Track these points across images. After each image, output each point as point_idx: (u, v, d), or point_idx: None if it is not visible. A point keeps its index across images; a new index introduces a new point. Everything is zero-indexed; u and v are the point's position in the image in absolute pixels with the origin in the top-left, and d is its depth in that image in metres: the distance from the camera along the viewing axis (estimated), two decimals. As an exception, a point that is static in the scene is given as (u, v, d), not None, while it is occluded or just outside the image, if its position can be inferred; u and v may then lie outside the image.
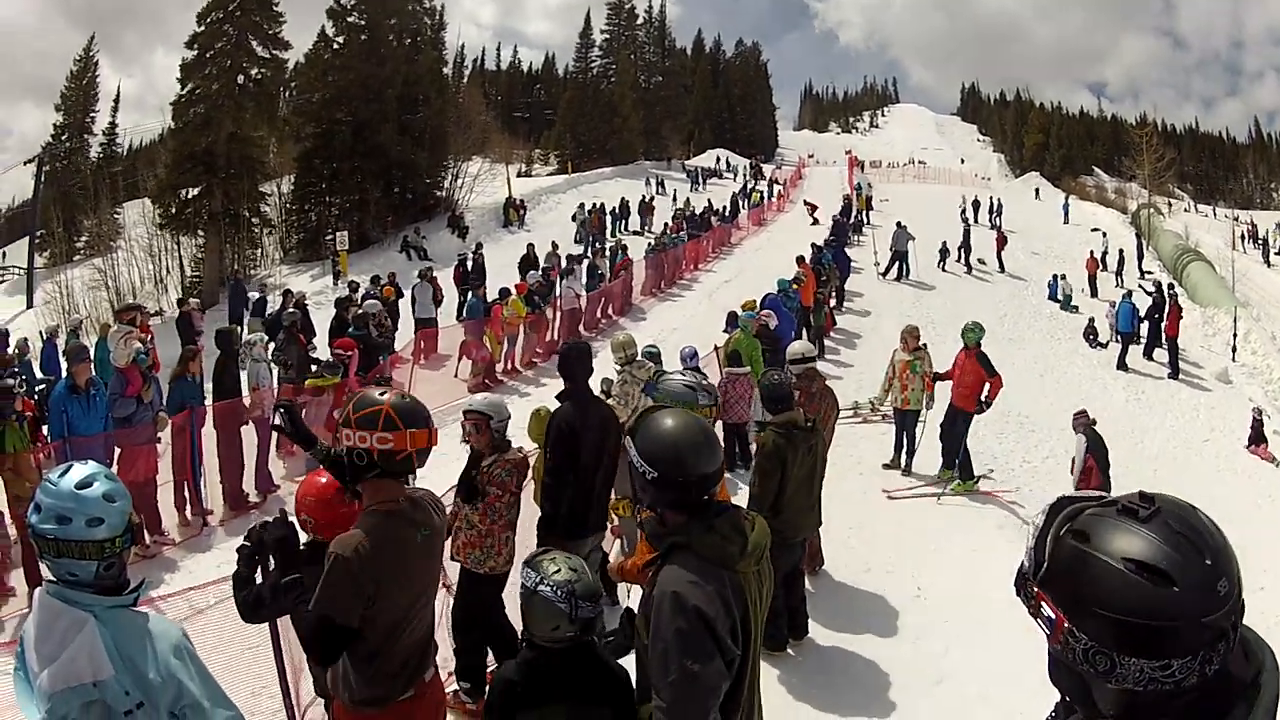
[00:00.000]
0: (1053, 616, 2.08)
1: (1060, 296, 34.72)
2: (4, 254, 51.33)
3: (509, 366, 22.20)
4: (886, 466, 15.24)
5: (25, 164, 48.97)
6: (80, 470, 3.60)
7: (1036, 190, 65.30)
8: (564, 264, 28.95)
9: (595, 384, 8.86)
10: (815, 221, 42.49)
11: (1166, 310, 28.46)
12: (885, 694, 8.26)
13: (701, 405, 6.63)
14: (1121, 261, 41.76)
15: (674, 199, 53.58)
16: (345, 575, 3.94)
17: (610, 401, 10.35)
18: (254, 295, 31.84)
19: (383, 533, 4.09)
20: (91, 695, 3.31)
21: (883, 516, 12.95)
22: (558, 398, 7.96)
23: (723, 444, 6.30)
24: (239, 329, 20.44)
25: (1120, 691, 2.04)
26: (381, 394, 4.23)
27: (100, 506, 3.52)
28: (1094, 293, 36.85)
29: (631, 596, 8.93)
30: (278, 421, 4.61)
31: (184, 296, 28.94)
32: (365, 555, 3.97)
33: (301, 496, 5.46)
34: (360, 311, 20.03)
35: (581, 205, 46.23)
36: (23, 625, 3.76)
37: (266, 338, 16.43)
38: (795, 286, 22.90)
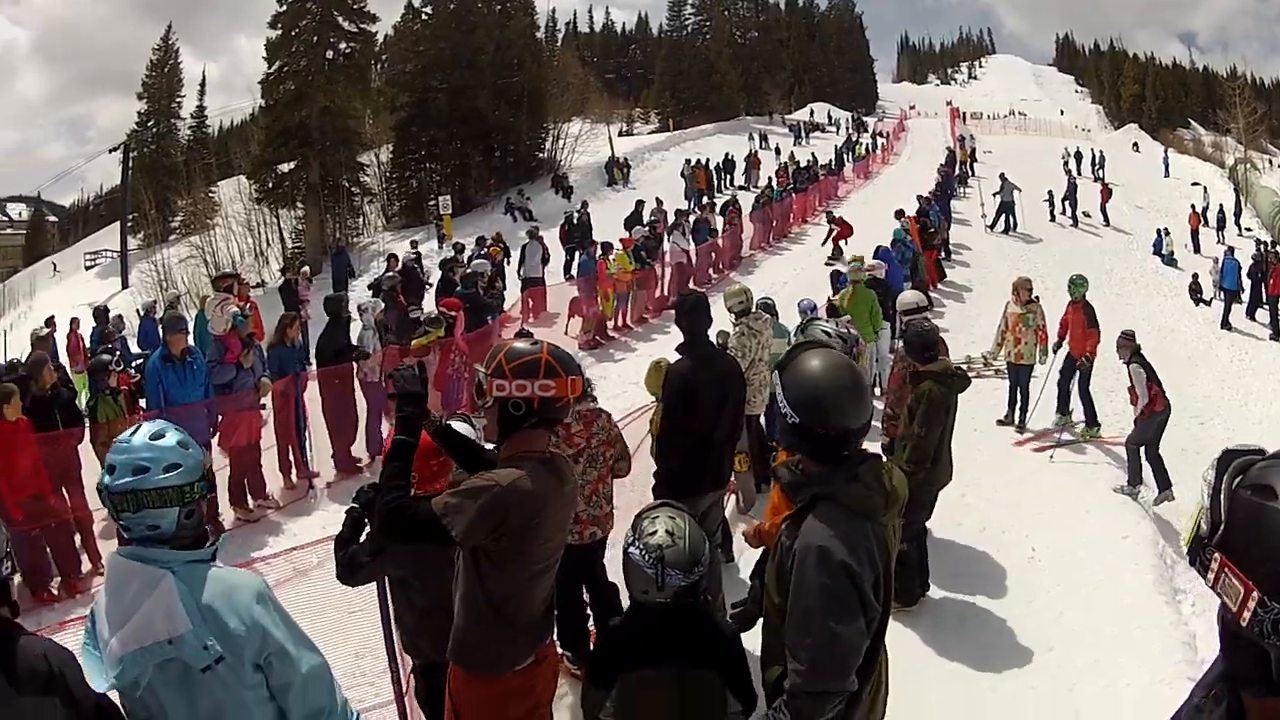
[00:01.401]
0: (1240, 588, 1.77)
1: (1164, 251, 34.07)
2: (57, 258, 52.44)
3: (619, 323, 22.12)
4: (1001, 423, 14.97)
5: (111, 151, 49.75)
6: (149, 426, 3.53)
7: (1135, 144, 63.96)
8: (670, 219, 28.45)
9: (712, 337, 8.45)
10: (836, 252, 29.10)
11: (1269, 268, 27.64)
12: (998, 658, 8.17)
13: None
14: (1222, 217, 41.05)
15: (777, 153, 53.13)
16: (490, 498, 3.83)
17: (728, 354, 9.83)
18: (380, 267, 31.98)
19: (539, 478, 3.99)
20: (167, 653, 3.22)
21: (998, 475, 12.62)
22: (678, 350, 7.69)
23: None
24: (346, 295, 20.34)
25: None
26: (534, 344, 4.20)
27: (176, 453, 3.42)
28: (1196, 248, 36.22)
29: (744, 555, 9.03)
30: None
31: (287, 266, 29.12)
32: (522, 492, 3.88)
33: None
34: (469, 271, 19.97)
35: (687, 161, 46.05)
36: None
37: (382, 304, 16.18)
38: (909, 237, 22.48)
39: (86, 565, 10.79)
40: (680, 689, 4.21)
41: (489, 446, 4.53)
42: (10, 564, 3.36)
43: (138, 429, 3.50)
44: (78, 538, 10.83)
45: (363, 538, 5.23)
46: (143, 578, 3.29)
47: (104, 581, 3.49)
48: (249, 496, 12.34)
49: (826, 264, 27.07)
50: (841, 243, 29.16)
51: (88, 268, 49.41)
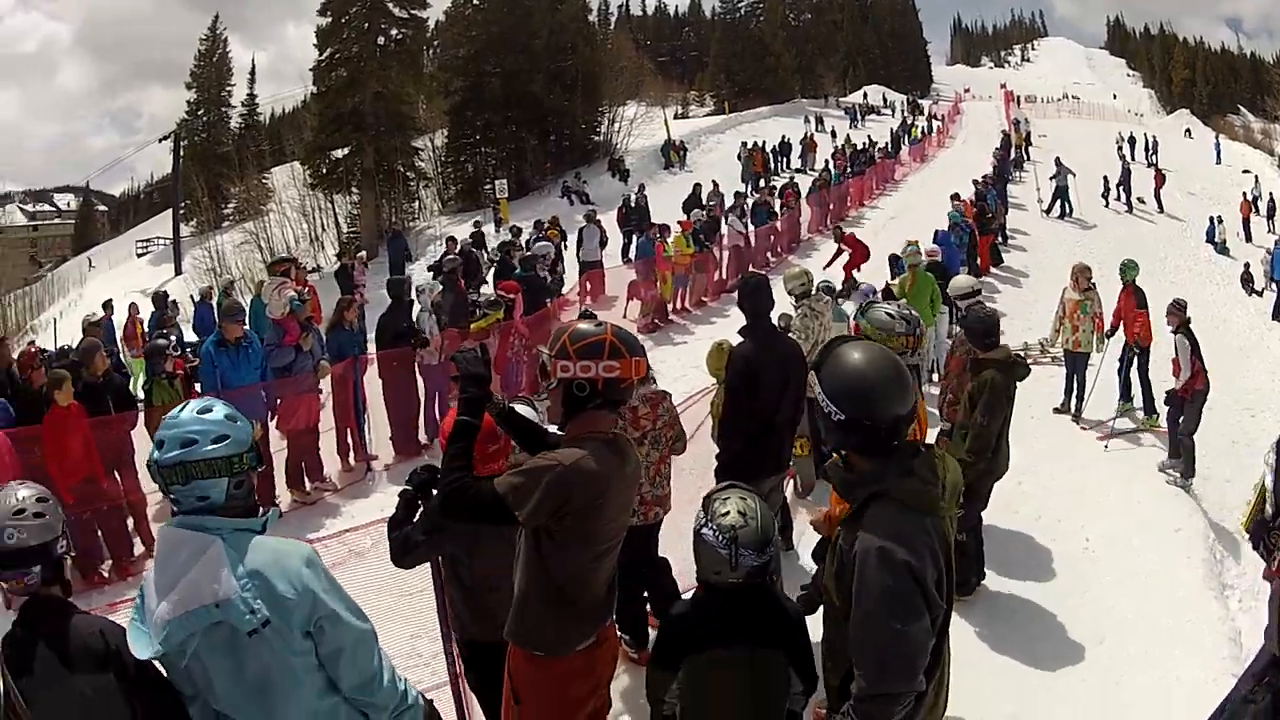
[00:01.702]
0: None
1: (1217, 239, 33.83)
2: (107, 246, 53.02)
3: (678, 306, 22.17)
4: (1057, 411, 14.86)
5: (161, 140, 50.40)
6: (197, 402, 3.60)
7: (1187, 129, 63.37)
8: (728, 202, 28.44)
9: (774, 320, 8.41)
10: (850, 285, 20.72)
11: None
12: (1051, 650, 8.14)
13: (898, 334, 6.51)
14: (1273, 205, 40.72)
15: (833, 136, 52.98)
16: (554, 478, 3.83)
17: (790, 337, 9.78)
18: (437, 251, 32.13)
19: (603, 458, 3.99)
20: (213, 617, 3.25)
21: (1055, 463, 12.55)
22: (740, 332, 7.68)
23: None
24: (409, 278, 20.45)
25: None
26: (598, 325, 4.20)
27: (223, 425, 3.50)
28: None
29: (803, 541, 9.02)
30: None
31: (343, 251, 29.29)
32: (586, 472, 3.88)
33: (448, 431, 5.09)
34: (529, 253, 20.00)
35: (743, 144, 46.14)
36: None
37: (441, 287, 16.19)
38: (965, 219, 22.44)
39: (139, 548, 10.91)
40: (750, 669, 4.22)
41: (552, 429, 4.50)
42: (66, 542, 3.49)
43: (185, 405, 3.56)
44: (130, 521, 10.93)
45: (416, 518, 5.23)
46: (192, 545, 3.33)
47: (155, 554, 3.55)
48: (306, 479, 12.42)
49: (841, 290, 19.25)
50: (855, 272, 23.01)
51: (139, 255, 49.96)
